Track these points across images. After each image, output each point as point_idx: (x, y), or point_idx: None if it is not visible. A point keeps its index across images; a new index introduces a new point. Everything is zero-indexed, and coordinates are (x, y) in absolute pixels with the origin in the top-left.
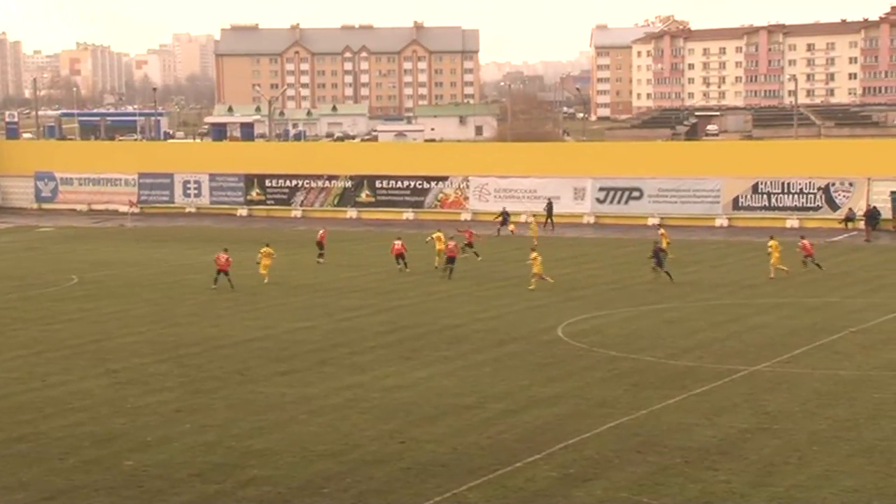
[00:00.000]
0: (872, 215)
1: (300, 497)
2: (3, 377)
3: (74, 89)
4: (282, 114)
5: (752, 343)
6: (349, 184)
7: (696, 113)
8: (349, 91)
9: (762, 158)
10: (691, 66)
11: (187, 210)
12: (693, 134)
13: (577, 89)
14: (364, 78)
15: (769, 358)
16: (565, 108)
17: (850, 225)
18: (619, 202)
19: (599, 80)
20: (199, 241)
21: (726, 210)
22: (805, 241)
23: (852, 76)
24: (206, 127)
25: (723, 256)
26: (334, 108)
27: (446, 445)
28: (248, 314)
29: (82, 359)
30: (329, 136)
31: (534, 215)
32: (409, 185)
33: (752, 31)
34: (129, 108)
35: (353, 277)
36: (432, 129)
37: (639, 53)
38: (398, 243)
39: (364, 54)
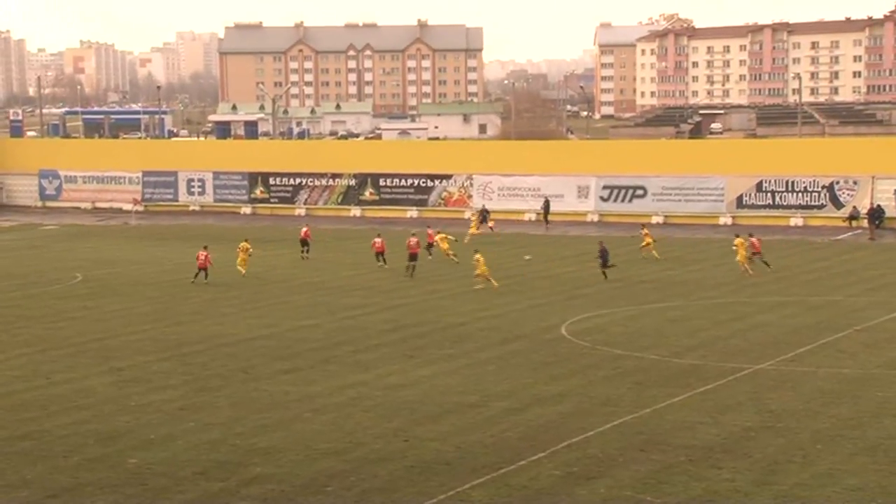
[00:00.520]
0: (876, 213)
1: (304, 495)
2: (8, 375)
3: (78, 87)
4: (285, 112)
5: (755, 341)
6: (353, 182)
7: (700, 111)
8: (353, 89)
9: (766, 157)
10: (695, 65)
11: (191, 208)
12: (697, 132)
13: (581, 88)
14: (368, 76)
15: (773, 356)
16: (569, 107)
17: (854, 223)
18: (622, 200)
19: (603, 78)
20: (203, 240)
21: (730, 208)
22: (753, 239)
23: (856, 74)
24: (210, 125)
25: (726, 255)
26: (338, 107)
27: (450, 444)
28: (251, 312)
29: (86, 357)
30: (333, 134)
31: (472, 215)
32: (413, 183)
33: (756, 30)
34: (133, 107)
35: (355, 276)
36: (436, 128)
37: (643, 52)
38: (378, 241)
39: (368, 52)
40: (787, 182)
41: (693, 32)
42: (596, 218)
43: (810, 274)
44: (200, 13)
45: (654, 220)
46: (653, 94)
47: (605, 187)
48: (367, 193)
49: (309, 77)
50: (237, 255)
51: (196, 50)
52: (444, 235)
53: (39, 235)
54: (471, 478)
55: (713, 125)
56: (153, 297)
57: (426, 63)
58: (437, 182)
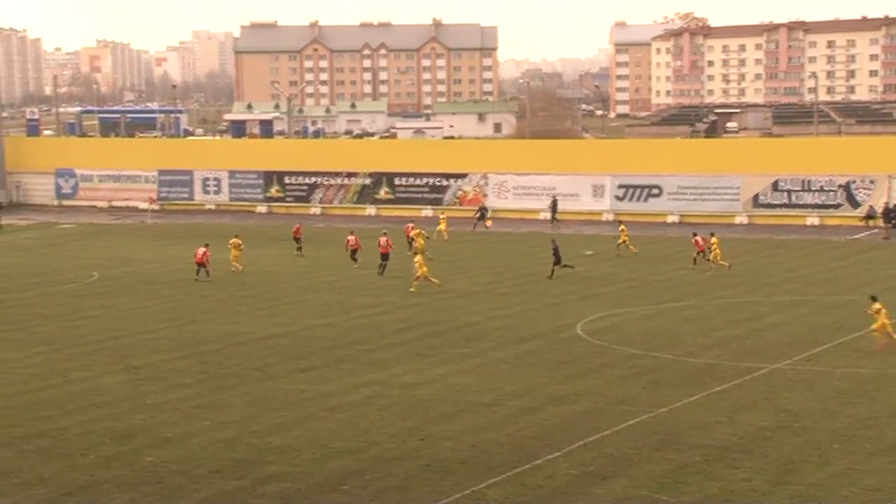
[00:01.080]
0: (892, 213)
1: (319, 494)
2: (24, 373)
3: (94, 87)
4: (301, 111)
5: (771, 341)
6: (368, 181)
7: (716, 110)
8: (368, 88)
9: (782, 156)
10: (711, 64)
11: (207, 207)
12: (713, 131)
13: (596, 86)
14: (383, 75)
15: (789, 356)
16: (584, 106)
17: (870, 223)
18: (638, 199)
19: (618, 77)
20: (219, 238)
21: (746, 207)
22: (698, 238)
23: (873, 73)
24: (226, 124)
25: (742, 254)
26: (353, 106)
27: (465, 443)
28: (266, 311)
29: (102, 355)
30: (348, 133)
31: (441, 213)
32: (428, 182)
33: (772, 29)
34: (149, 106)
35: (369, 275)
36: (451, 127)
37: (658, 50)
38: (352, 238)
39: (383, 51)
40: (803, 181)
41: (708, 31)
42: (611, 217)
43: (826, 273)
44: (216, 12)
45: (670, 219)
46: (668, 92)
47: (620, 186)
48: (383, 192)
49: (324, 76)
50: (229, 252)
51: (212, 49)
52: (419, 231)
53: (56, 234)
54: (486, 477)
55: (729, 124)
56: (169, 295)
57: (441, 62)
58: (452, 181)
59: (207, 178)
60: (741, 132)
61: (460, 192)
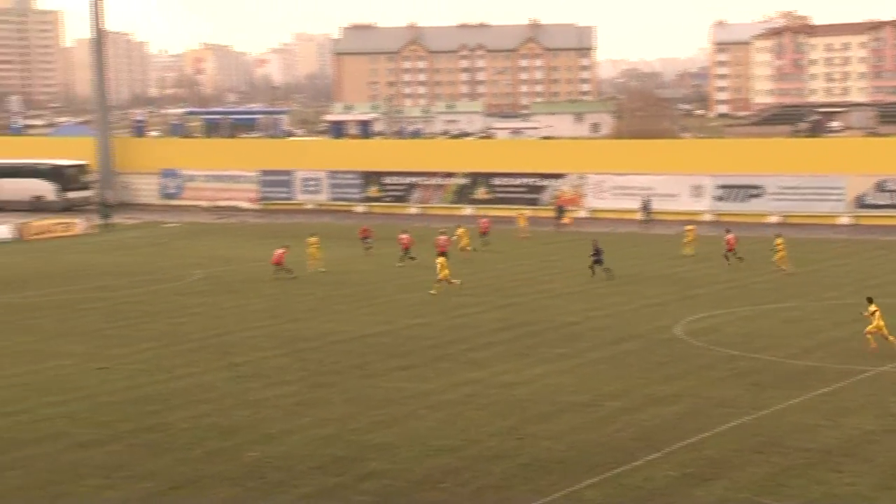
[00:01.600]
0: None
1: (419, 491)
2: (132, 369)
3: (198, 88)
4: (399, 111)
5: (877, 344)
6: (465, 181)
7: (819, 109)
8: (465, 89)
9: (888, 155)
10: (813, 62)
11: (306, 207)
12: (815, 131)
13: (695, 86)
14: (480, 76)
15: (894, 359)
16: (682, 105)
17: None
18: (738, 200)
19: (718, 76)
20: (321, 238)
21: (850, 208)
22: (730, 236)
23: None
24: (325, 125)
25: (846, 255)
26: (450, 106)
27: (563, 442)
28: (365, 310)
29: (206, 352)
30: (445, 133)
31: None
32: (525, 182)
33: (876, 26)
34: (251, 107)
35: (467, 274)
36: (548, 127)
37: (759, 49)
38: (405, 237)
39: (480, 52)
40: None
41: (811, 30)
42: (710, 217)
43: None
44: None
45: (772, 219)
46: (769, 92)
47: (720, 186)
48: (480, 192)
49: (422, 77)
50: (307, 250)
51: (312, 51)
52: (465, 230)
53: (161, 233)
54: (584, 477)
55: (832, 124)
56: (269, 294)
57: (538, 62)
58: (549, 181)
59: (307, 178)
60: (845, 132)
61: (557, 192)
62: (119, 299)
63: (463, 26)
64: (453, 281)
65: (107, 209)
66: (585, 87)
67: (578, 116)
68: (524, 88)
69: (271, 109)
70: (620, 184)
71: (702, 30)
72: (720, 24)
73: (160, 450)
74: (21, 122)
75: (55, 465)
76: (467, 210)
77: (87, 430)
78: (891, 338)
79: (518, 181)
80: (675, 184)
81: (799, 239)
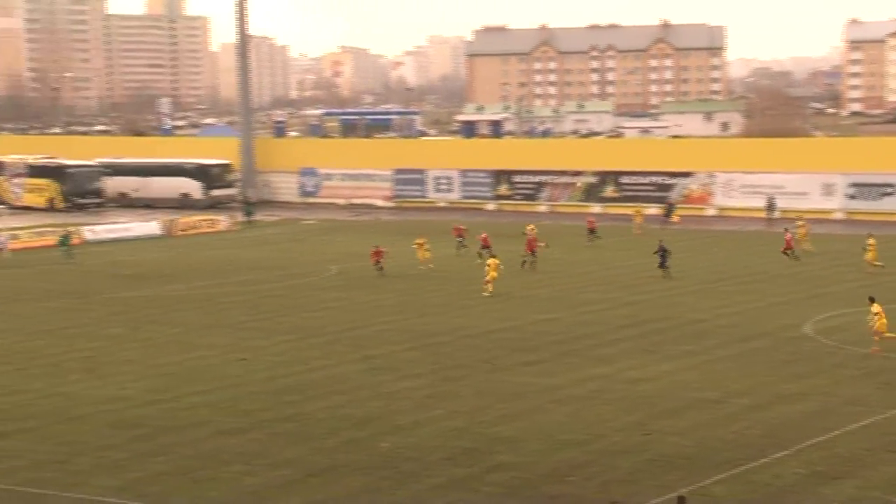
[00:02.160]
0: None
1: (546, 484)
2: (271, 360)
3: (336, 90)
4: (529, 111)
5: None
6: (594, 179)
7: None
8: (595, 89)
9: None
10: None
11: (438, 205)
12: None
13: (828, 85)
14: (610, 76)
15: None
16: (814, 104)
17: None
18: (871, 198)
19: (851, 74)
20: (450, 235)
21: None
22: (788, 235)
23: None
24: (457, 125)
25: None
26: (580, 106)
27: (690, 438)
28: (493, 305)
29: (341, 345)
30: (575, 133)
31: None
32: (654, 180)
33: None
34: (386, 108)
35: (593, 272)
36: (677, 126)
37: (894, 47)
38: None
39: (610, 52)
40: None
41: None
42: (842, 216)
43: None
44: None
45: None
46: None
47: (852, 185)
48: (609, 190)
49: (552, 77)
50: (416, 253)
51: (445, 53)
52: (533, 226)
53: (300, 230)
54: (712, 473)
55: None
56: (401, 289)
57: (668, 62)
58: (677, 179)
59: (439, 177)
60: None
61: (686, 191)
62: (259, 293)
63: (593, 27)
64: (489, 287)
65: (249, 206)
66: (716, 87)
67: (708, 116)
68: (654, 88)
69: (405, 110)
70: (750, 182)
71: (835, 28)
72: (854, 22)
73: (297, 438)
74: (169, 123)
75: (199, 451)
76: (596, 208)
77: (229, 418)
78: (888, 334)
79: (646, 179)
80: (805, 182)
81: None
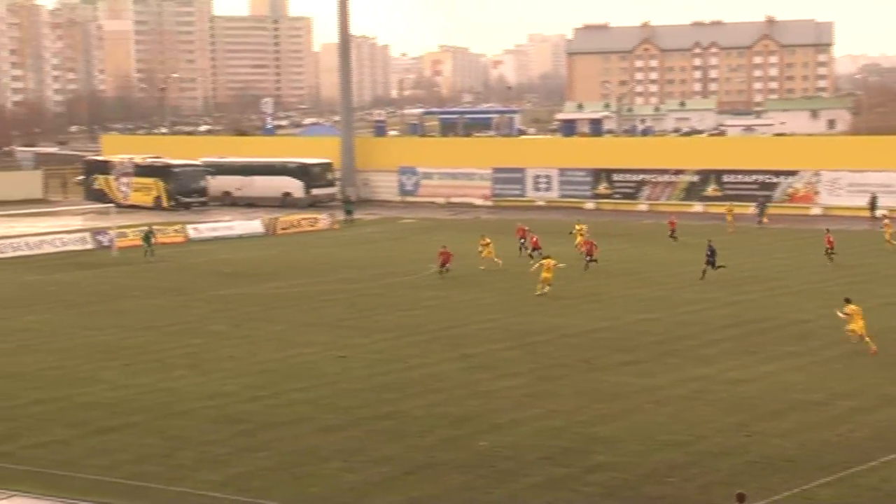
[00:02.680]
0: None
1: (645, 485)
2: (371, 358)
3: (435, 89)
4: (630, 110)
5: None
6: (695, 178)
7: None
8: (697, 86)
9: None
10: None
11: (537, 203)
12: None
13: None
14: (713, 73)
15: None
16: None
17: None
18: None
19: None
20: (549, 235)
21: None
22: (830, 235)
23: None
24: (557, 123)
25: None
26: (682, 104)
27: (793, 441)
28: (592, 305)
29: (439, 343)
30: (676, 131)
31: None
32: (757, 179)
33: None
34: (485, 107)
35: (693, 271)
36: (782, 123)
37: None
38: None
39: (714, 50)
40: None
41: None
42: None
43: None
44: (551, 16)
45: None
46: None
47: None
48: (710, 189)
49: (654, 75)
50: (481, 252)
51: (545, 51)
52: (582, 226)
53: (399, 228)
54: (817, 476)
55: None
56: (500, 288)
57: (773, 59)
58: (782, 178)
59: (539, 176)
60: None
61: (790, 189)
62: (358, 291)
63: (696, 24)
64: (542, 288)
65: (349, 205)
66: (822, 84)
67: (814, 113)
68: (758, 86)
69: (505, 109)
70: (856, 181)
71: None
72: None
73: (396, 436)
74: (272, 122)
75: (299, 447)
76: (697, 207)
77: (328, 415)
78: (867, 338)
79: (750, 178)
80: None
81: None
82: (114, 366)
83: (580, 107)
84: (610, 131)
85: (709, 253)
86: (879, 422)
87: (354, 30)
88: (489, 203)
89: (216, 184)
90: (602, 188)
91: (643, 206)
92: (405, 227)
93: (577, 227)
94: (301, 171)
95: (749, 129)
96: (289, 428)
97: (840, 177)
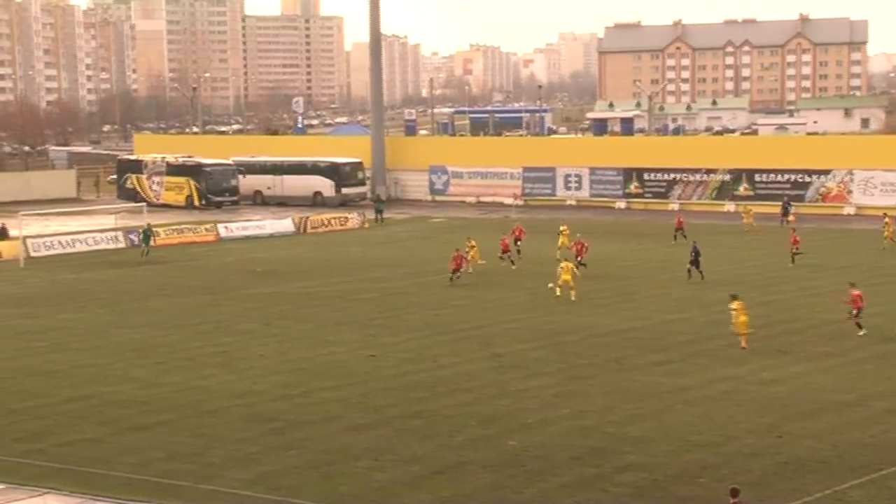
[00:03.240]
0: None
1: (676, 485)
2: (400, 357)
3: (466, 88)
4: (661, 109)
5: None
6: (727, 177)
7: None
8: (729, 85)
9: None
10: None
11: (568, 203)
12: None
13: None
14: (745, 72)
15: None
16: None
17: None
18: None
19: None
20: (581, 234)
21: None
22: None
23: None
24: (587, 122)
25: None
26: (714, 103)
27: (826, 442)
28: (623, 304)
29: (469, 342)
30: (708, 130)
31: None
32: (789, 178)
33: None
34: (516, 106)
35: (724, 271)
36: (815, 122)
37: None
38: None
39: (746, 48)
40: None
41: None
42: None
43: None
44: (582, 14)
45: None
46: None
47: None
48: (742, 188)
49: (685, 74)
50: (468, 251)
51: (576, 50)
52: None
53: (428, 227)
54: (849, 477)
55: None
56: (530, 287)
57: (806, 57)
58: (814, 177)
59: (569, 175)
60: None
61: (823, 189)
62: (388, 290)
63: (729, 22)
64: (562, 290)
65: (379, 204)
66: (856, 83)
67: (847, 112)
68: (791, 84)
69: (535, 108)
70: (889, 180)
71: None
72: None
73: (425, 435)
74: (302, 122)
75: (329, 446)
76: (729, 206)
77: (358, 413)
78: (743, 337)
79: (782, 177)
80: None
81: None
82: (145, 364)
83: (611, 106)
84: (641, 130)
85: (693, 254)
86: None
87: (385, 29)
88: (519, 202)
89: (247, 183)
90: (633, 187)
91: (674, 206)
92: (435, 227)
93: (562, 227)
94: (332, 171)
95: (782, 127)
96: (319, 426)
97: (873, 176)
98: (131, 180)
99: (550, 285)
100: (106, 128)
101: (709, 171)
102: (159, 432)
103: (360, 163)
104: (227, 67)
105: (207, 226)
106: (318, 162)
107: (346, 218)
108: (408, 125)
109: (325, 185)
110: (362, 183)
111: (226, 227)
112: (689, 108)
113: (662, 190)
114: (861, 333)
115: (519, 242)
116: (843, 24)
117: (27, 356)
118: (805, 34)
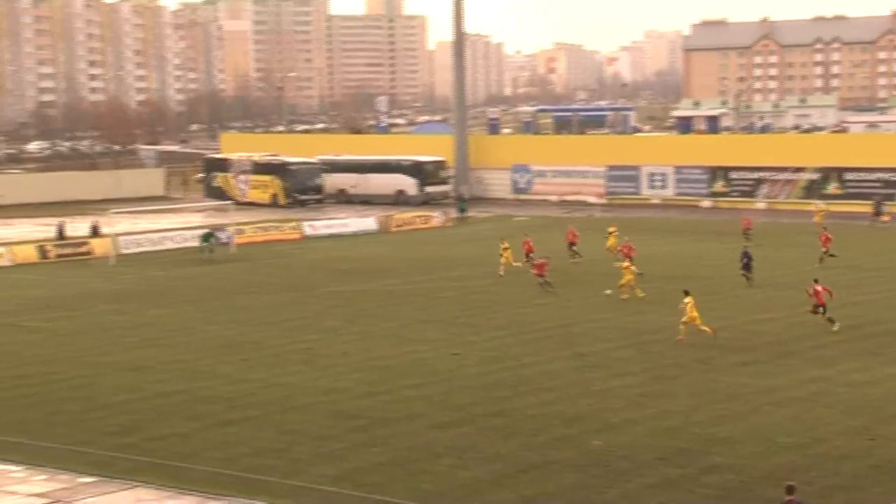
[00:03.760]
0: None
1: (763, 487)
2: (483, 356)
3: (549, 87)
4: (748, 106)
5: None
6: (816, 176)
7: None
8: (818, 83)
9: None
10: None
11: (652, 202)
12: None
13: None
14: (835, 69)
15: None
16: None
17: None
18: None
19: None
20: (665, 233)
21: None
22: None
23: None
24: (672, 121)
25: None
26: (802, 100)
27: None
28: (708, 305)
29: (551, 341)
30: (796, 128)
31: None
32: (881, 176)
33: None
34: (600, 104)
35: (811, 271)
36: None
37: None
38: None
39: (836, 45)
40: None
41: None
42: None
43: None
44: (668, 12)
45: None
46: None
47: None
48: (831, 187)
49: (773, 71)
50: (501, 254)
51: (661, 48)
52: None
53: (511, 226)
54: None
55: None
56: (612, 287)
57: None
58: None
59: (654, 174)
60: None
61: None
62: (471, 289)
63: (818, 19)
64: (625, 291)
65: (462, 203)
66: None
67: None
68: (882, 81)
69: (619, 106)
70: None
71: None
72: None
73: (508, 434)
74: (386, 121)
75: (413, 443)
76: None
77: (441, 412)
78: (704, 327)
79: (873, 176)
80: None
81: None
82: (232, 360)
83: (697, 104)
84: (727, 128)
85: (745, 258)
86: None
87: (469, 28)
88: (603, 201)
89: (331, 181)
90: (719, 186)
91: (761, 205)
92: (517, 225)
93: (610, 229)
94: (415, 169)
95: (872, 125)
96: (402, 424)
97: None
98: (218, 179)
99: (608, 292)
100: (193, 127)
101: (797, 170)
102: (246, 428)
103: (444, 161)
104: (311, 67)
105: (292, 224)
106: (402, 161)
107: (429, 216)
108: (491, 124)
109: (409, 184)
110: (445, 182)
111: (310, 226)
112: (776, 105)
113: (749, 189)
114: (835, 328)
115: (574, 246)
116: None
117: (118, 351)
118: None
